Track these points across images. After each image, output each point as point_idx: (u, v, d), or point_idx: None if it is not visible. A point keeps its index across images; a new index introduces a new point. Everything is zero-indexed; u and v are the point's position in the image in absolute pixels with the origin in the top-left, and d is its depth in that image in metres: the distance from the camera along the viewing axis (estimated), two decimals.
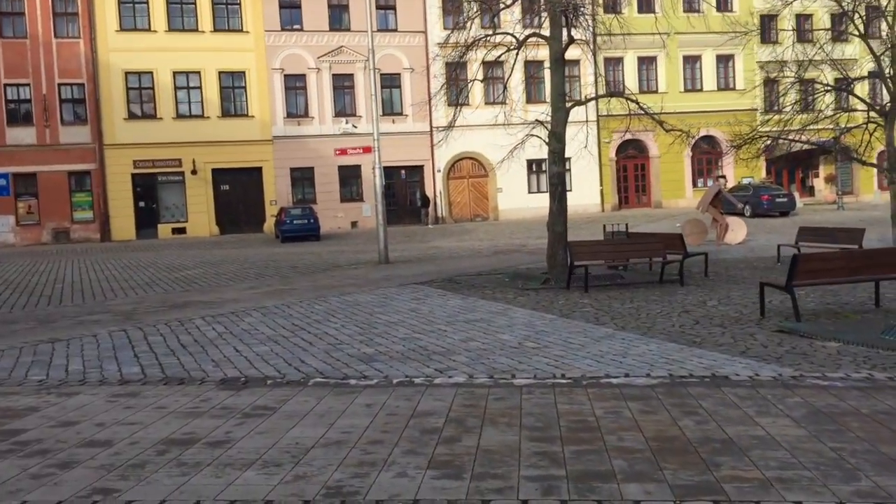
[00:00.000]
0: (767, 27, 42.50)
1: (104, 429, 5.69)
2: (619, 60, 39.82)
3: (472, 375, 7.10)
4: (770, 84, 42.82)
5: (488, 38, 16.28)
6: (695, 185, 42.34)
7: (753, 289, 12.61)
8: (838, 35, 18.79)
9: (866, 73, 18.12)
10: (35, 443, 5.38)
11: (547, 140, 15.09)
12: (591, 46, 16.17)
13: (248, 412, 6.05)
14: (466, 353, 8.17)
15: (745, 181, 40.23)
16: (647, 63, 41.45)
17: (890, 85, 17.04)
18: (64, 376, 7.67)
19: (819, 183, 43.89)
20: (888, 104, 17.39)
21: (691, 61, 41.76)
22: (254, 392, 6.71)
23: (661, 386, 6.43)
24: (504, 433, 5.27)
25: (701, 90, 42.04)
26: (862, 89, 19.76)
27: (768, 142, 19.69)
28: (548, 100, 36.03)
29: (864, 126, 18.17)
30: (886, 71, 18.18)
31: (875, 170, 44.27)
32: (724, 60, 42.68)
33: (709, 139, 41.85)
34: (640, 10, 38.97)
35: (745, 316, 10.03)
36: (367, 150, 20.81)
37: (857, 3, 16.83)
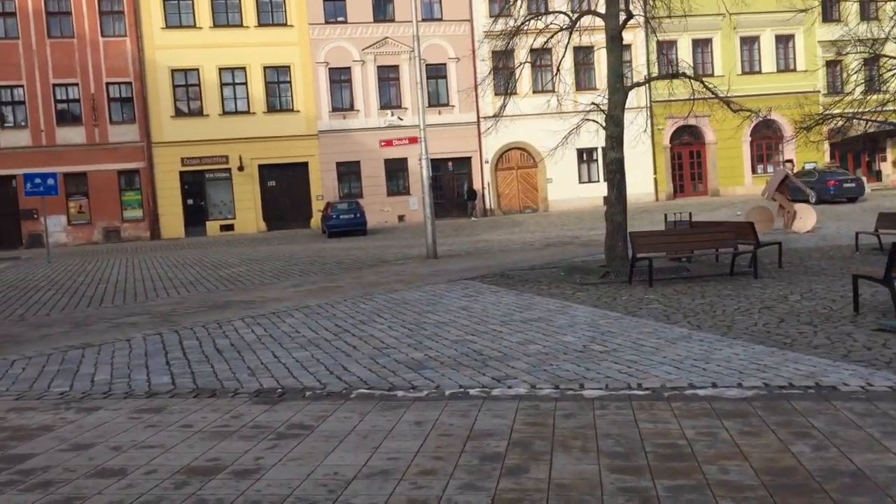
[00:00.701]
0: (829, 4, 40.58)
1: (120, 454, 5.01)
2: (673, 43, 38.24)
3: (535, 385, 6.27)
4: (833, 65, 41.05)
5: (539, 17, 15.38)
6: (754, 171, 40.71)
7: (837, 281, 11.55)
8: None
9: None
10: (40, 471, 4.72)
11: (604, 124, 14.14)
12: (648, 25, 15.11)
13: (283, 431, 5.32)
14: (526, 357, 7.34)
15: (809, 166, 38.51)
16: (702, 45, 39.91)
17: None
18: (88, 387, 7.05)
19: (887, 167, 41.82)
20: None
21: (749, 42, 40.08)
22: (290, 406, 5.99)
23: (757, 399, 5.52)
24: (579, 461, 4.44)
25: (760, 72, 40.33)
26: None
27: (841, 122, 18.30)
28: (599, 86, 35.36)
29: None
30: None
31: None
32: (784, 41, 40.90)
33: (769, 123, 40.08)
34: None
35: (836, 312, 9.00)
36: (414, 140, 20.07)
37: None
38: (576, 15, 14.70)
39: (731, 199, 37.21)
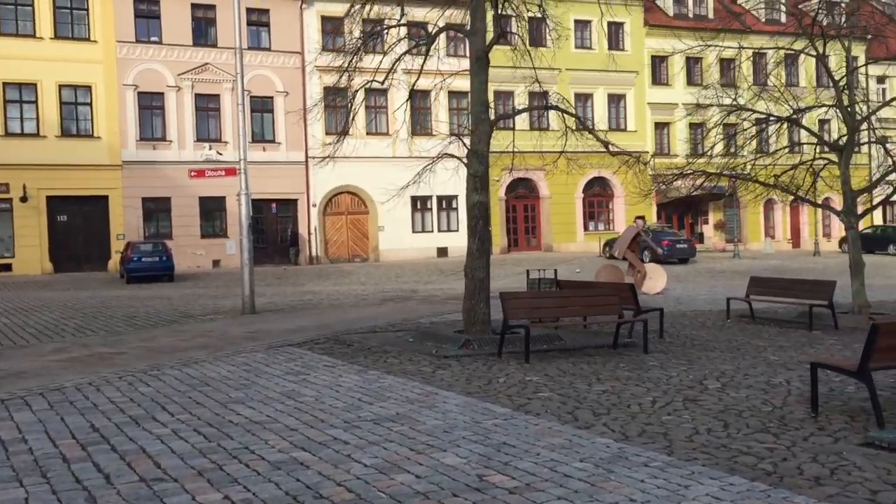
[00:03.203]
0: (658, 68, 41.50)
1: None
2: (510, 94, 37.29)
3: None
4: (660, 127, 41.85)
5: (384, 34, 12.94)
6: (586, 228, 40.33)
7: (740, 359, 9.72)
8: (792, 56, 16.53)
9: (812, 105, 15.86)
10: None
11: (465, 161, 11.77)
12: (523, 45, 13.12)
13: None
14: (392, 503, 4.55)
15: (632, 226, 38.48)
16: (538, 98, 39.22)
17: (845, 117, 14.85)
18: None
19: (708, 229, 42.91)
20: (843, 138, 15.22)
21: (583, 99, 39.95)
22: None
23: None
24: None
25: (592, 129, 40.23)
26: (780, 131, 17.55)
27: (701, 180, 17.09)
28: (435, 132, 33.50)
29: (810, 165, 15.99)
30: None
31: (762, 217, 44.25)
32: (616, 100, 41.23)
33: (600, 181, 40.07)
34: (532, 43, 36.88)
35: (786, 411, 6.90)
36: (232, 172, 16.90)
37: (813, 24, 14.55)
38: (434, 30, 12.35)
39: (565, 255, 36.35)
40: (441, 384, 8.18)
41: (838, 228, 45.05)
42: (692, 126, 39.95)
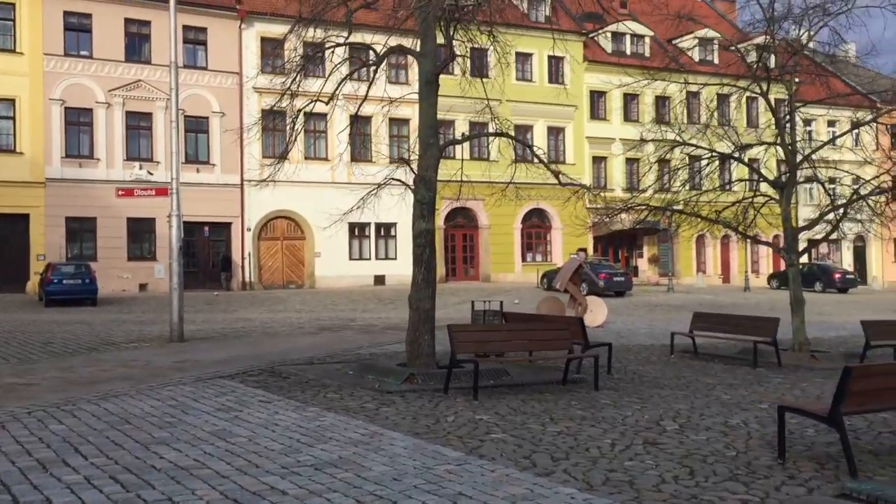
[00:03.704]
0: (597, 103, 41.99)
1: None
2: (451, 123, 37.11)
3: None
4: (598, 161, 42.27)
5: (322, 54, 12.46)
6: (524, 259, 40.24)
7: (692, 397, 9.46)
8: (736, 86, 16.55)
9: (756, 142, 15.98)
10: None
11: (412, 187, 11.32)
12: (464, 72, 12.82)
13: None
14: None
15: (574, 257, 38.61)
16: (479, 127, 39.22)
17: (786, 154, 14.94)
18: None
19: (642, 263, 43.34)
20: (784, 175, 15.31)
21: (523, 131, 40.04)
22: None
23: None
24: None
25: (532, 161, 40.35)
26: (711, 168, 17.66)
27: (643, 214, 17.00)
28: (375, 158, 33.04)
29: (750, 201, 16.05)
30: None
31: (694, 252, 44.94)
32: (555, 133, 41.53)
33: (539, 212, 40.14)
34: (474, 73, 36.87)
35: (753, 456, 6.56)
36: (162, 192, 16.05)
37: (757, 65, 14.66)
38: (383, 50, 11.90)
39: (503, 285, 36.15)
40: (386, 423, 7.62)
41: (766, 265, 46.19)
42: (629, 161, 40.54)
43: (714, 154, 15.91)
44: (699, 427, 7.74)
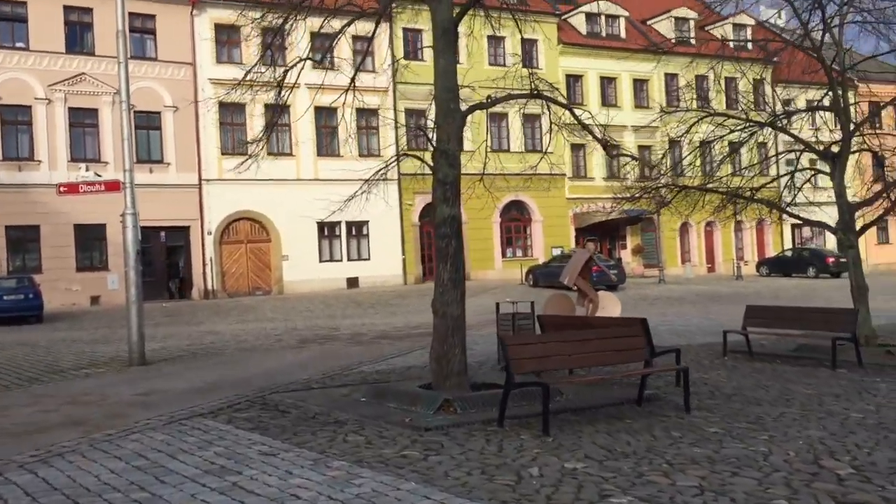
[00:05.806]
0: (573, 87, 40.05)
1: None
2: (423, 112, 34.82)
3: None
4: (577, 148, 40.30)
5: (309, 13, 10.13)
6: (504, 255, 38.13)
7: (812, 416, 7.37)
8: (769, 58, 14.65)
9: (807, 105, 14.11)
10: None
11: (431, 163, 9.06)
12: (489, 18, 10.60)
13: None
14: None
15: (556, 251, 36.68)
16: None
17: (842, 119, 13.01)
18: None
19: (626, 254, 41.53)
20: (836, 144, 13.38)
21: (497, 119, 37.96)
22: None
23: None
24: None
25: (508, 150, 38.21)
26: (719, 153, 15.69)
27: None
28: (343, 153, 30.63)
29: (796, 174, 14.14)
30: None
31: (678, 241, 43.29)
32: (531, 120, 39.43)
33: (518, 204, 38.13)
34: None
35: None
36: (114, 187, 13.53)
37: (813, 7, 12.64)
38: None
39: (485, 283, 33.93)
40: (449, 484, 5.36)
41: (751, 252, 44.70)
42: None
43: (750, 123, 13.95)
44: (878, 467, 5.63)
